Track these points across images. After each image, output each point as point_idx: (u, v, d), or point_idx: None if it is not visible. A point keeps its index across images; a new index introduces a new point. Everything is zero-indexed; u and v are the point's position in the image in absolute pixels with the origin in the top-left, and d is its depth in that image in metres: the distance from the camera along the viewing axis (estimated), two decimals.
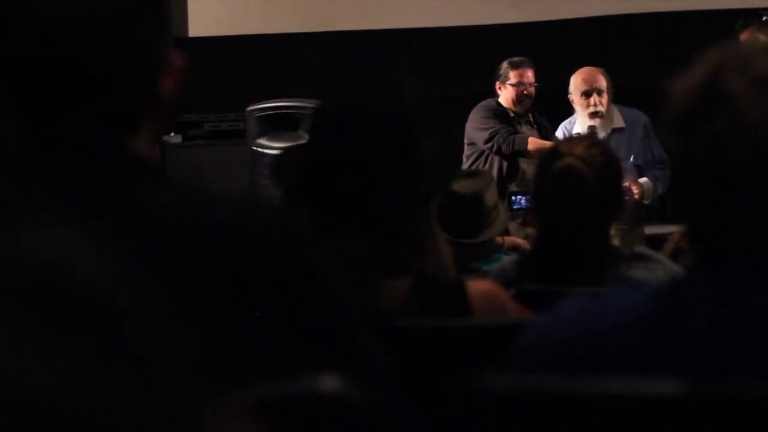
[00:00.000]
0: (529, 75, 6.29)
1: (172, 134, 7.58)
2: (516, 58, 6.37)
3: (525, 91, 6.25)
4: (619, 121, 5.97)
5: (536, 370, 1.31)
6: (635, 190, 5.75)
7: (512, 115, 6.28)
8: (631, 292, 1.35)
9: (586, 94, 5.87)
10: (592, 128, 5.78)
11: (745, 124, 1.26)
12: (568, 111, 6.12)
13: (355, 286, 1.57)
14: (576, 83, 5.93)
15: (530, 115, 6.36)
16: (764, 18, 5.81)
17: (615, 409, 1.23)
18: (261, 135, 7.32)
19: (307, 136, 2.25)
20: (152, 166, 1.48)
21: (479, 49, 7.61)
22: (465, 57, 6.77)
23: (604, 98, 5.87)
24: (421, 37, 8.12)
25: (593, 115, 5.85)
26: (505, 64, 6.35)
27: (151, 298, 0.51)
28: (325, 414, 1.33)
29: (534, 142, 6.02)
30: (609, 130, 5.90)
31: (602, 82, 5.88)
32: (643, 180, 5.88)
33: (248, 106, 7.40)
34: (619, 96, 6.03)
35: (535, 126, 6.35)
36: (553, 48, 7.51)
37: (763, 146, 1.25)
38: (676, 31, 7.48)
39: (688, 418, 1.21)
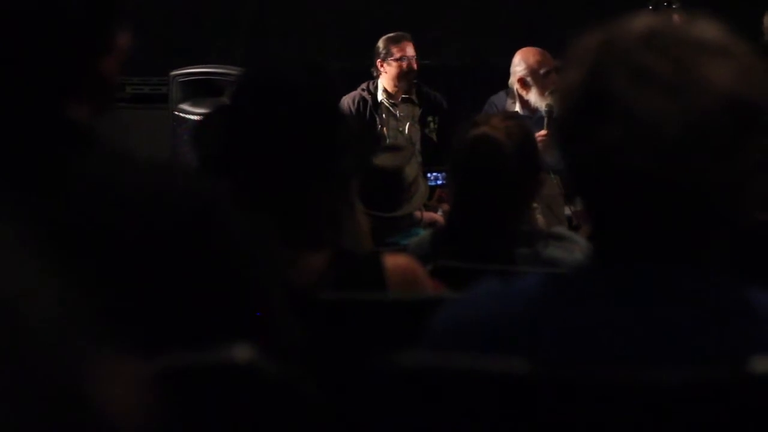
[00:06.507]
0: (410, 49, 6.20)
1: None
2: (393, 34, 6.26)
3: (408, 66, 6.18)
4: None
5: (446, 348, 1.32)
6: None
7: (386, 101, 6.20)
8: (539, 278, 1.35)
9: (547, 74, 5.73)
10: (550, 106, 5.70)
11: (638, 124, 1.23)
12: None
13: (271, 258, 1.57)
14: (531, 64, 5.75)
15: (413, 93, 6.25)
16: (673, 5, 5.79)
17: (515, 388, 1.25)
18: (183, 100, 7.25)
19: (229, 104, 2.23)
20: (83, 132, 1.46)
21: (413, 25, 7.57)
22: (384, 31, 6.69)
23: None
24: (351, 11, 8.09)
25: (551, 93, 5.77)
26: (383, 41, 6.23)
27: (48, 272, 0.51)
28: (236, 384, 1.33)
29: None
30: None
31: (553, 61, 5.84)
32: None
33: (172, 70, 7.33)
34: None
35: (419, 103, 6.25)
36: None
37: (660, 144, 1.23)
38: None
39: (576, 401, 1.24)
